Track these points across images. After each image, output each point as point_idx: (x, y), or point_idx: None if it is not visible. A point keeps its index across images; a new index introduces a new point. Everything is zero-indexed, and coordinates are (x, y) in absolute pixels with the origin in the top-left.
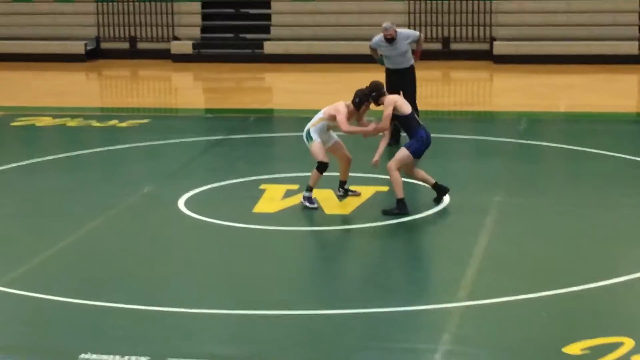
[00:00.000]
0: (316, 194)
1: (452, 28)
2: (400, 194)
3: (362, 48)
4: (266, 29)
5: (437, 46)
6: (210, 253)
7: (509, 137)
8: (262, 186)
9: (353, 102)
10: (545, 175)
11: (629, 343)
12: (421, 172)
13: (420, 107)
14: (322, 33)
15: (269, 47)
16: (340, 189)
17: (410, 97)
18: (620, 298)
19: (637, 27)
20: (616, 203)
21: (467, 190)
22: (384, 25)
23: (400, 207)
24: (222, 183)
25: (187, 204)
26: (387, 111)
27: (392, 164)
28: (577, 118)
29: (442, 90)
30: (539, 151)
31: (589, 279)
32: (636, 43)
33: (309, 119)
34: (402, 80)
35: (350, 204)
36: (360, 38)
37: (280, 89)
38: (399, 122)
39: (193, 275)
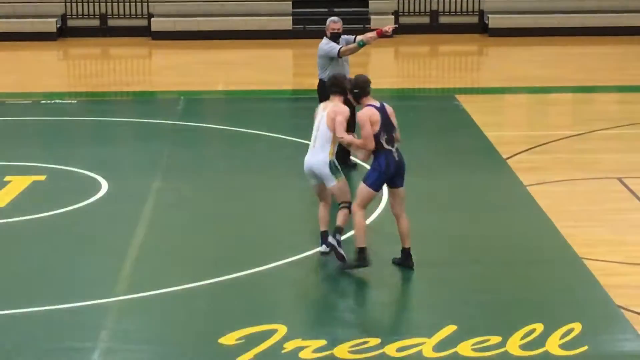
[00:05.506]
0: None
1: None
2: (360, 242)
3: None
4: None
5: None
6: None
7: (167, 118)
8: None
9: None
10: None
11: (281, 330)
12: (404, 223)
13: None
14: None
15: None
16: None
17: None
18: (273, 284)
19: (290, 3)
20: (274, 185)
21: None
22: (333, 18)
23: (360, 259)
24: None
25: None
26: (366, 130)
27: (355, 204)
28: (235, 96)
29: (100, 69)
30: (196, 133)
31: (245, 265)
32: (290, 18)
33: None
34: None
35: (6, 196)
36: None
37: None
38: None
39: None
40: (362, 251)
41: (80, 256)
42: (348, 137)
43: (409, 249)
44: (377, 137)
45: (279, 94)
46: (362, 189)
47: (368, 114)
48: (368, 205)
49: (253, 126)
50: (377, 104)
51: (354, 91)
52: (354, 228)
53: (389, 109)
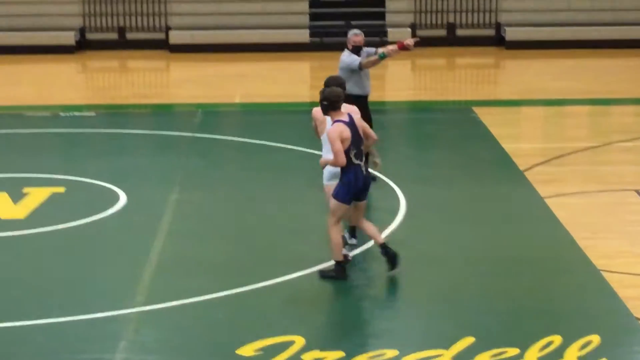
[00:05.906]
0: None
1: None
2: (337, 256)
3: None
4: None
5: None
6: None
7: (185, 130)
8: None
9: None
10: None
11: (299, 341)
12: (370, 226)
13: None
14: None
15: None
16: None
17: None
18: (291, 295)
19: (307, 16)
20: (291, 197)
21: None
22: (355, 31)
23: (337, 271)
24: None
25: None
26: (337, 147)
27: (329, 219)
28: (252, 109)
29: (119, 82)
30: (214, 145)
31: (262, 276)
32: (307, 31)
33: None
34: (364, 111)
35: (25, 208)
36: None
37: None
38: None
39: None
40: (338, 264)
41: (98, 268)
42: (323, 159)
43: (384, 244)
44: (347, 152)
45: (296, 107)
46: (334, 204)
47: (338, 130)
48: (342, 220)
49: (270, 138)
50: (346, 119)
51: (323, 103)
52: (331, 243)
53: (357, 119)
